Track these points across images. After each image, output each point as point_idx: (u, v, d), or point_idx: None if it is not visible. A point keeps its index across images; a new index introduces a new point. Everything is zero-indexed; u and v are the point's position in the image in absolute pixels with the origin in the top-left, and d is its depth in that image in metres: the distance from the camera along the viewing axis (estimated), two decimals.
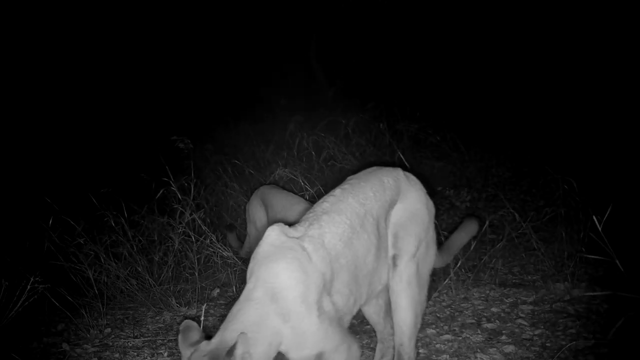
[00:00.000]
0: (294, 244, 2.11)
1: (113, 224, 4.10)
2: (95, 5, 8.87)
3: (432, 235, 2.65)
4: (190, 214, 4.15)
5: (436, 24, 9.07)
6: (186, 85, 9.12)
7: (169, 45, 9.46)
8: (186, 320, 2.04)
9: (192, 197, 4.18)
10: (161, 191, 4.26)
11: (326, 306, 2.09)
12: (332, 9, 9.16)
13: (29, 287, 3.43)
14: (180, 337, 1.99)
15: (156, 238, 4.29)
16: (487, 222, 3.81)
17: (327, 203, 2.37)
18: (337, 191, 2.44)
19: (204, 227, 4.22)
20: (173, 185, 4.13)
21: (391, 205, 2.50)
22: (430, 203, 2.66)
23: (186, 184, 4.23)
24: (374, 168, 2.64)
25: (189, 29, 9.60)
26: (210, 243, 4.28)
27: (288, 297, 1.99)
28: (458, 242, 3.01)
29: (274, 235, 2.14)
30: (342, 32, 9.57)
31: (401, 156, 4.52)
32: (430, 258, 2.64)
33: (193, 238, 4.12)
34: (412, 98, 7.64)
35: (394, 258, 2.47)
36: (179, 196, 4.16)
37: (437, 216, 4.70)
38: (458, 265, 3.70)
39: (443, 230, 4.40)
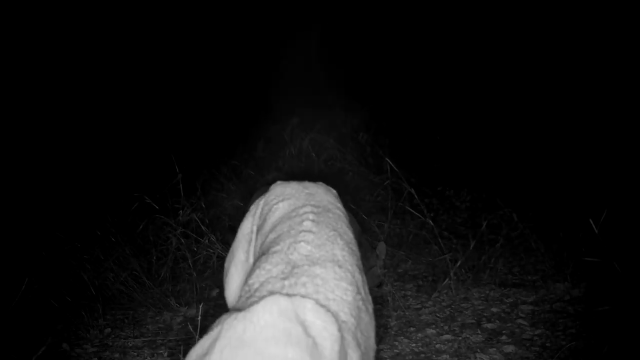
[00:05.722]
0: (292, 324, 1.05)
1: (114, 226, 4.10)
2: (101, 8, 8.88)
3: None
4: (188, 214, 4.15)
5: (435, 25, 9.08)
6: (184, 85, 9.12)
7: (167, 44, 9.45)
8: None
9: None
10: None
11: None
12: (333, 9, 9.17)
13: (24, 286, 3.42)
14: None
15: (152, 238, 4.28)
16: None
17: (307, 245, 1.41)
18: (312, 227, 1.53)
19: (203, 227, 4.22)
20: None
21: None
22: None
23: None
24: (299, 186, 1.88)
25: (187, 28, 9.60)
26: (209, 243, 4.28)
27: None
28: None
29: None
30: (343, 31, 9.57)
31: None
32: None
33: (196, 239, 4.11)
34: (412, 98, 7.65)
35: None
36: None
37: (437, 216, 4.73)
38: (458, 265, 3.70)
39: (443, 230, 4.41)
